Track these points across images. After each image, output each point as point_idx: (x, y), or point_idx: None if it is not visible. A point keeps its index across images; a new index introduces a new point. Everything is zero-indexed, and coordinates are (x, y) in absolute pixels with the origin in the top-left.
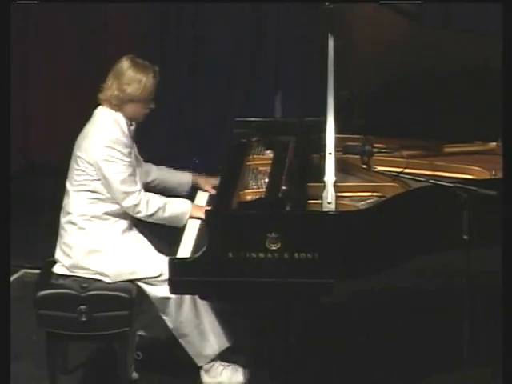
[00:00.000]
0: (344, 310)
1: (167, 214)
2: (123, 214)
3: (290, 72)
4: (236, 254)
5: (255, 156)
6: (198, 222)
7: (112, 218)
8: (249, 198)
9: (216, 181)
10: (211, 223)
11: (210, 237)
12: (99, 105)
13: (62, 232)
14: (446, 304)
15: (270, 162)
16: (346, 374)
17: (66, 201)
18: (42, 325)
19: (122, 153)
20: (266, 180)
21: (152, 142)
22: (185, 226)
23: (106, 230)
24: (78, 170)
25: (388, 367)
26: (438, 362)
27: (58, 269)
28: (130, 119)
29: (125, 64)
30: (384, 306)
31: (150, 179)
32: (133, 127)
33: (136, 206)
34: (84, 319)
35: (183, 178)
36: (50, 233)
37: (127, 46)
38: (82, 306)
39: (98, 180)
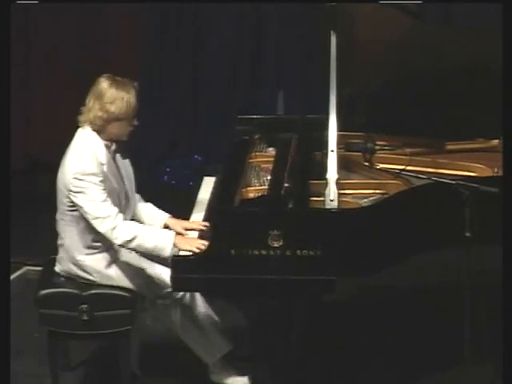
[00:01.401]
0: (346, 307)
1: (146, 242)
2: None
3: (292, 70)
4: (238, 251)
5: (257, 153)
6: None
7: (102, 245)
8: (251, 195)
9: (190, 224)
10: (214, 220)
11: (213, 234)
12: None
13: (58, 248)
14: (448, 302)
15: (272, 159)
16: (347, 372)
17: (58, 227)
18: (43, 324)
19: (91, 182)
20: (269, 177)
21: (153, 140)
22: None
23: (96, 259)
24: (60, 199)
25: (389, 365)
26: (440, 360)
27: (58, 269)
28: (111, 140)
29: (105, 83)
30: (385, 303)
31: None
32: (113, 147)
33: (113, 230)
34: (85, 318)
35: (157, 217)
36: (52, 230)
37: (127, 45)
38: (83, 305)
39: (77, 211)
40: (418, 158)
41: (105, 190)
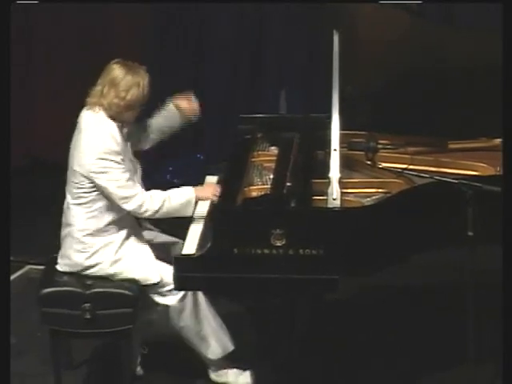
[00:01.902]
0: (347, 306)
1: (173, 204)
2: (123, 223)
3: (294, 69)
4: (241, 251)
5: (260, 152)
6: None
7: (112, 228)
8: (254, 194)
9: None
10: (216, 219)
11: (215, 233)
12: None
13: (62, 242)
14: (450, 301)
15: (274, 158)
16: (348, 371)
17: (65, 214)
18: (45, 322)
19: (114, 161)
20: (271, 176)
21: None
22: (190, 222)
23: (105, 243)
24: (75, 183)
25: (390, 365)
26: (440, 360)
27: (61, 266)
28: (120, 122)
29: (119, 71)
30: (386, 302)
31: (149, 141)
32: (125, 130)
33: (140, 206)
34: (88, 317)
35: (168, 111)
36: (54, 229)
37: (128, 45)
38: (85, 304)
39: (95, 192)
40: (420, 156)
41: (126, 169)
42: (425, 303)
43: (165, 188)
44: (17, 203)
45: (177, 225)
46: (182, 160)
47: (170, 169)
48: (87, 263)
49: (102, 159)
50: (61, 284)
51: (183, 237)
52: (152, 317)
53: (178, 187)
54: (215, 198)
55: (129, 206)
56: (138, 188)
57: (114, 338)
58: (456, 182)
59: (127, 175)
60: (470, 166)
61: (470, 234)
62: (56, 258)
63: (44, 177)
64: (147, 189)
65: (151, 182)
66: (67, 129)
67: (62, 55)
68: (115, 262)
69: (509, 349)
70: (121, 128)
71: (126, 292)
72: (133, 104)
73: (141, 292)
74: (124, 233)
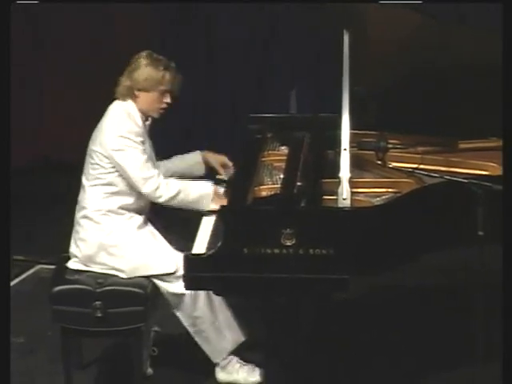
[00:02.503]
0: (356, 306)
1: (189, 195)
2: (139, 209)
3: (304, 68)
4: (251, 250)
5: (270, 152)
6: (213, 217)
7: (127, 212)
8: (264, 193)
9: (224, 159)
10: (226, 219)
11: (225, 233)
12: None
13: (77, 227)
14: (459, 301)
15: (284, 157)
16: (357, 371)
17: (81, 196)
18: (57, 320)
19: (134, 141)
20: (281, 176)
21: (166, 139)
22: (200, 222)
23: (121, 224)
24: (93, 164)
25: (396, 364)
26: (450, 360)
27: (72, 264)
28: (144, 113)
29: (139, 55)
30: (396, 302)
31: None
32: (148, 122)
33: (156, 189)
34: (99, 315)
35: (192, 159)
36: (65, 228)
37: (130, 44)
38: (97, 302)
39: (114, 173)
40: (430, 156)
41: (145, 151)
42: (434, 303)
43: None
44: (28, 203)
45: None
46: None
47: None
48: (106, 240)
49: (123, 137)
50: (72, 282)
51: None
52: (162, 316)
53: None
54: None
55: (145, 188)
56: (156, 171)
57: (125, 336)
58: (466, 181)
59: (145, 157)
60: (480, 165)
61: (480, 233)
62: (67, 257)
63: (58, 176)
64: None
65: None
66: (67, 128)
67: (62, 55)
68: (130, 246)
69: (509, 349)
70: (143, 119)
71: (137, 290)
72: (139, 87)
73: (152, 290)
74: (139, 219)
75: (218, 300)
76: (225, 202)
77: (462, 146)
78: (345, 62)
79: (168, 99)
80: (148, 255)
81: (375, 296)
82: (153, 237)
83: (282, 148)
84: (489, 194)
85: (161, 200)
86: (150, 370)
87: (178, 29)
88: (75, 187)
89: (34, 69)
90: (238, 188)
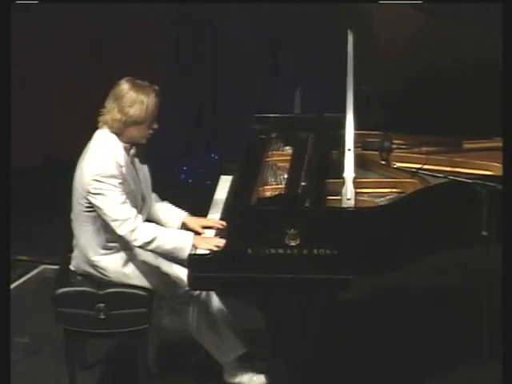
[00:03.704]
0: (359, 306)
1: (165, 243)
2: (127, 242)
3: (309, 68)
4: (255, 250)
5: (274, 152)
6: (217, 217)
7: (117, 246)
8: (268, 194)
9: (207, 222)
10: (231, 219)
11: (230, 233)
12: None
13: (74, 249)
14: (463, 301)
15: (289, 158)
16: (357, 371)
17: (73, 227)
18: (60, 322)
19: (110, 184)
20: (285, 176)
21: (171, 139)
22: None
23: (111, 262)
24: (76, 200)
25: (399, 365)
26: (454, 360)
27: (74, 266)
28: (131, 143)
29: (125, 86)
30: (398, 303)
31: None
32: (133, 151)
33: (132, 232)
34: (102, 317)
35: (174, 215)
36: (69, 229)
37: (128, 44)
38: (100, 304)
39: (95, 212)
40: (434, 156)
41: (124, 192)
42: (437, 303)
43: (179, 188)
44: (32, 203)
45: None
46: (197, 160)
47: (185, 169)
48: (97, 274)
49: (98, 181)
50: (75, 284)
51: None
52: (166, 319)
53: (192, 187)
54: (214, 249)
55: (120, 230)
56: (133, 212)
57: (129, 337)
58: (470, 181)
59: (123, 198)
60: (485, 165)
61: (484, 233)
62: (70, 258)
63: (62, 176)
64: (160, 190)
65: (166, 182)
66: (70, 128)
67: (62, 55)
68: (125, 274)
69: (509, 349)
70: (128, 148)
71: (141, 292)
72: (135, 121)
73: (155, 292)
74: (130, 251)
75: (218, 313)
76: (213, 244)
77: (466, 146)
78: (349, 62)
79: (155, 125)
80: (151, 279)
81: (378, 296)
82: (152, 260)
83: (287, 148)
84: (493, 194)
85: (136, 243)
86: (153, 369)
87: (181, 29)
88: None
89: (34, 69)
90: (242, 188)
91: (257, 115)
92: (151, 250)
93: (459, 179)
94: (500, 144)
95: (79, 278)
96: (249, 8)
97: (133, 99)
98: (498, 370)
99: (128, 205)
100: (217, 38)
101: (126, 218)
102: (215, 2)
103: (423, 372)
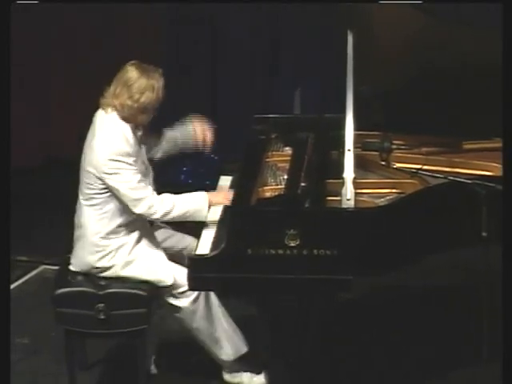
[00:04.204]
0: (359, 307)
1: (184, 208)
2: (134, 225)
3: (308, 69)
4: (255, 251)
5: (274, 152)
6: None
7: (124, 230)
8: (268, 194)
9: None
10: (230, 220)
11: (229, 233)
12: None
13: (75, 241)
14: (463, 301)
15: (288, 158)
16: (357, 371)
17: (78, 213)
18: (60, 322)
19: (126, 163)
20: (285, 177)
21: None
22: (203, 223)
23: (118, 245)
24: (87, 183)
25: (400, 365)
26: (455, 360)
27: (74, 267)
28: (136, 124)
29: (134, 72)
30: (398, 303)
31: (161, 151)
32: (140, 133)
33: (150, 207)
34: (102, 317)
35: (188, 132)
36: (69, 229)
37: (128, 44)
38: (99, 304)
39: (107, 193)
40: (434, 157)
41: (138, 171)
42: (437, 304)
43: (179, 189)
44: (32, 203)
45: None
46: (197, 160)
47: (185, 169)
48: (99, 265)
49: (114, 160)
50: (75, 284)
51: (197, 235)
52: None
53: (192, 188)
54: (227, 203)
55: (138, 209)
56: (149, 190)
57: (129, 338)
58: (470, 182)
59: (138, 177)
60: (484, 166)
61: (484, 234)
62: (70, 259)
63: (62, 176)
64: (161, 190)
65: (165, 182)
66: (70, 128)
67: (63, 55)
68: (128, 264)
69: (509, 349)
70: (134, 130)
71: (140, 292)
72: (146, 107)
73: (154, 292)
74: (136, 235)
75: (217, 311)
76: (229, 197)
77: (466, 146)
78: (349, 62)
79: (157, 109)
80: (145, 272)
81: (378, 296)
82: (150, 252)
83: (286, 148)
84: (492, 195)
85: (156, 216)
86: (153, 369)
87: (181, 29)
88: (78, 187)
89: (34, 69)
90: (241, 189)
91: (257, 116)
92: (171, 219)
93: (459, 180)
94: (500, 144)
95: (79, 278)
96: (249, 8)
97: (143, 86)
98: (498, 369)
99: (143, 183)
100: (217, 38)
101: (144, 196)
102: (215, 2)
103: (423, 372)
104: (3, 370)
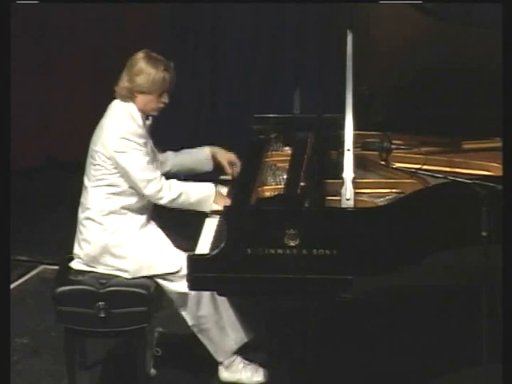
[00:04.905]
0: (359, 307)
1: (191, 197)
2: (141, 209)
3: (308, 69)
4: (254, 251)
5: (274, 152)
6: (217, 218)
7: (130, 212)
8: (267, 194)
9: (232, 157)
10: (230, 219)
11: (229, 233)
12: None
13: (80, 228)
14: (464, 302)
15: (288, 158)
16: (357, 371)
17: (84, 196)
18: (60, 321)
19: (137, 143)
20: (285, 176)
21: (171, 138)
22: (203, 221)
23: (124, 225)
24: (95, 164)
25: (403, 365)
26: (455, 361)
27: (76, 264)
28: (143, 112)
29: (138, 56)
30: (398, 303)
31: (167, 168)
32: (149, 122)
33: (158, 191)
34: (102, 315)
35: (201, 155)
36: (69, 229)
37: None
38: (100, 303)
39: (116, 173)
40: (434, 157)
41: (147, 152)
42: (437, 304)
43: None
44: (32, 202)
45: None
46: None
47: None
48: (110, 240)
49: (125, 139)
50: (75, 282)
51: (193, 236)
52: (166, 316)
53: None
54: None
55: (147, 190)
56: (158, 173)
57: (129, 336)
58: (470, 182)
59: (148, 158)
60: (484, 166)
61: (484, 234)
62: (70, 258)
63: (62, 176)
64: None
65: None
66: (71, 128)
67: (62, 55)
68: (135, 245)
69: (509, 349)
70: (143, 117)
71: (141, 291)
72: (140, 89)
73: (155, 291)
74: (142, 219)
75: (222, 300)
76: (228, 203)
77: (466, 146)
78: (348, 62)
79: (166, 99)
80: (151, 255)
81: (379, 296)
82: (156, 236)
83: (286, 148)
84: (492, 195)
85: (162, 201)
86: (153, 371)
87: (180, 29)
88: (78, 187)
89: (34, 69)
90: (241, 188)
91: (256, 115)
92: (176, 206)
93: (459, 179)
94: (500, 144)
95: (79, 276)
96: (249, 8)
97: (141, 69)
98: (498, 370)
99: (152, 166)
100: (217, 38)
101: (153, 177)
102: (215, 2)
103: (423, 372)
104: (3, 369)
